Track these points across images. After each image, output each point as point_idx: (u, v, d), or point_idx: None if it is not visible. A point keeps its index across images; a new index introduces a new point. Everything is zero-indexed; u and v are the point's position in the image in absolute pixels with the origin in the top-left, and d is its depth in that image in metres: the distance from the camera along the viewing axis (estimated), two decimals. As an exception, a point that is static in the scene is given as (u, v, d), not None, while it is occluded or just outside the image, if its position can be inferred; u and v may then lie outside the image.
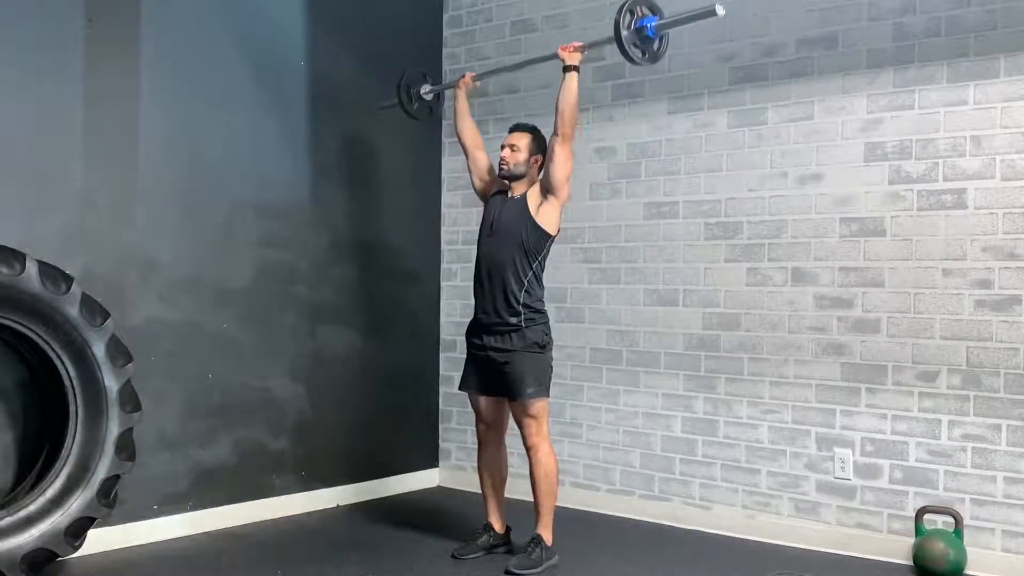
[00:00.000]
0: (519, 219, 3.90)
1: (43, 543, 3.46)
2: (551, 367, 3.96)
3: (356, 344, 5.05)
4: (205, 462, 4.33)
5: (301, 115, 4.78)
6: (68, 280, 3.57)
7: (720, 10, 3.55)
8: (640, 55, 3.78)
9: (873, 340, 4.11)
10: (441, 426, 5.50)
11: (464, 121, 4.22)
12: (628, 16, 3.70)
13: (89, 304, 3.62)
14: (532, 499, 3.93)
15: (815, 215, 4.27)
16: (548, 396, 3.91)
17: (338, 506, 4.87)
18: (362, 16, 5.08)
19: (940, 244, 3.97)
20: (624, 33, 3.68)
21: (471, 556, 3.99)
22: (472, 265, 4.14)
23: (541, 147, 3.98)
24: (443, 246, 5.53)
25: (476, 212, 4.46)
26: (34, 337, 3.52)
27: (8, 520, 3.42)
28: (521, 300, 3.87)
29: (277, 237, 4.65)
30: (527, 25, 5.20)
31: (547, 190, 3.89)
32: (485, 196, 4.16)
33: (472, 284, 4.07)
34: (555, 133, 3.83)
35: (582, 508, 4.83)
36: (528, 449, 3.88)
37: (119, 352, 3.70)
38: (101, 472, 3.62)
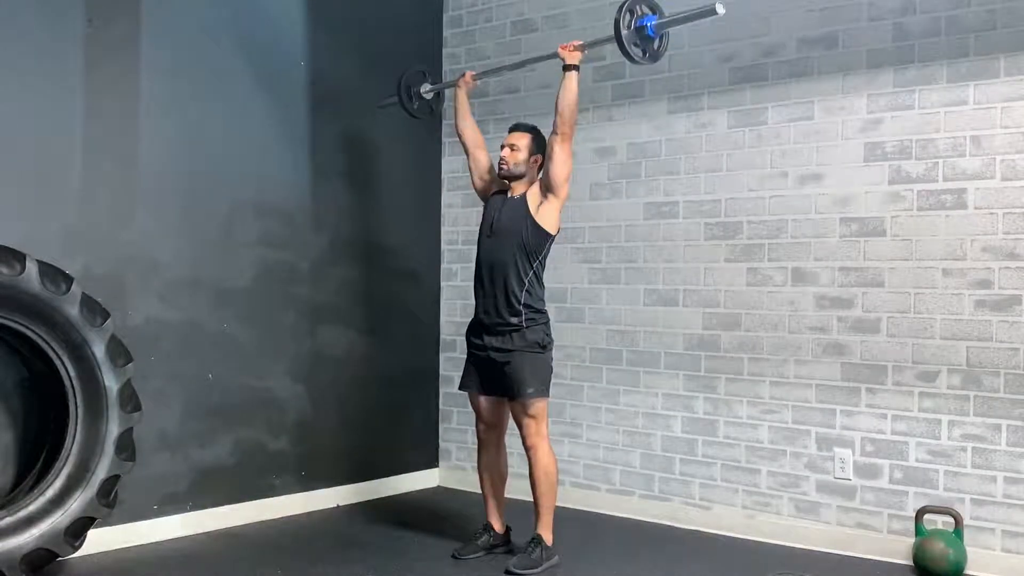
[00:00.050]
0: (519, 219, 3.90)
1: (43, 543, 3.46)
2: (551, 367, 3.96)
3: (356, 344, 5.05)
4: (205, 462, 4.33)
5: (301, 115, 4.78)
6: (68, 280, 3.57)
7: (720, 9, 3.55)
8: (640, 54, 3.78)
9: (873, 340, 4.11)
10: (441, 426, 5.50)
11: (464, 120, 4.22)
12: (628, 15, 3.70)
13: (89, 304, 3.62)
14: (532, 499, 3.93)
15: (815, 215, 4.27)
16: (548, 396, 3.91)
17: (338, 506, 4.87)
18: (362, 16, 5.08)
19: (940, 244, 3.97)
20: (624, 32, 3.68)
21: (471, 556, 3.99)
22: (472, 265, 4.14)
23: (541, 147, 3.98)
24: (443, 246, 5.53)
25: (476, 212, 4.46)
26: (34, 337, 3.52)
27: (8, 520, 3.42)
28: (522, 300, 3.87)
29: (277, 237, 4.65)
30: (527, 25, 5.20)
31: (547, 190, 3.89)
32: (485, 196, 4.16)
33: (472, 284, 4.07)
34: (555, 133, 3.83)
35: (582, 508, 4.83)
36: (527, 449, 3.88)
37: (119, 352, 3.70)
38: (101, 472, 3.62)
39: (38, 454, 3.72)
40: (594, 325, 4.92)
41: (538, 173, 4.00)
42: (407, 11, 5.39)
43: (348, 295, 5.02)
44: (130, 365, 3.73)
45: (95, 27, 3.93)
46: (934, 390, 3.97)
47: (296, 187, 4.76)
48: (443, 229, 5.53)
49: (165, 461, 4.16)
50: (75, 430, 3.61)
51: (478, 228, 4.10)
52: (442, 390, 5.49)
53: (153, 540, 4.08)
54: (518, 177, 3.98)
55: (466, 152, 4.23)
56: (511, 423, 4.01)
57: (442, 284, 5.53)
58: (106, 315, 3.67)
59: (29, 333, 3.50)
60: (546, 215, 3.89)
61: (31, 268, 3.44)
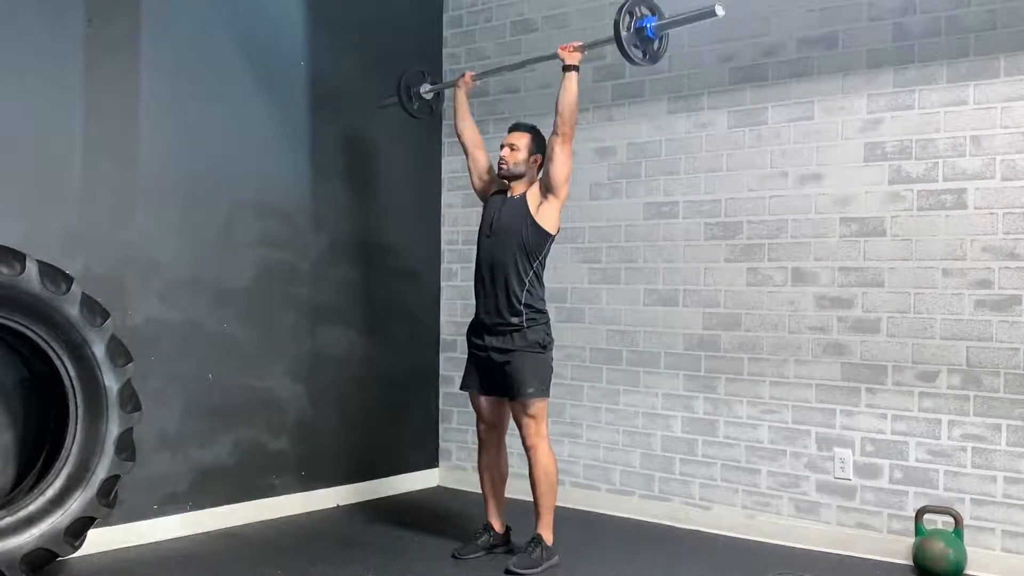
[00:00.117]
0: (519, 219, 3.90)
1: (43, 543, 3.46)
2: (552, 367, 3.96)
3: (356, 344, 5.05)
4: (205, 462, 4.33)
5: (301, 115, 4.78)
6: (68, 280, 3.57)
7: (720, 11, 3.55)
8: (640, 55, 3.78)
9: (873, 340, 4.11)
10: (441, 426, 5.50)
11: (464, 120, 4.22)
12: (628, 17, 3.70)
13: (89, 304, 3.62)
14: (532, 499, 3.93)
15: (815, 215, 4.27)
16: (548, 396, 3.90)
17: (338, 506, 4.87)
18: (362, 16, 5.08)
19: (940, 244, 3.97)
20: (624, 34, 3.69)
21: (471, 556, 3.99)
22: (472, 265, 4.14)
23: (540, 147, 3.98)
24: (443, 246, 5.53)
25: (476, 212, 4.46)
26: (34, 337, 3.52)
27: (8, 520, 3.42)
28: (523, 300, 3.87)
29: (277, 237, 4.65)
30: (527, 25, 5.20)
31: (547, 190, 3.89)
32: (484, 196, 4.15)
33: (472, 284, 4.07)
34: (555, 133, 3.83)
35: (582, 508, 4.83)
36: (527, 449, 3.88)
37: (119, 352, 3.70)
38: (101, 472, 3.62)
39: (38, 454, 3.72)
40: (594, 325, 4.92)
41: (538, 173, 4.00)
42: (407, 11, 5.39)
43: (348, 295, 5.02)
44: (130, 365, 3.73)
45: (95, 27, 3.93)
46: (934, 390, 3.97)
47: (296, 187, 4.76)
48: (443, 229, 5.53)
49: (165, 461, 4.16)
50: (75, 430, 3.61)
51: (478, 228, 4.10)
52: (442, 390, 5.49)
53: (153, 540, 4.08)
54: (518, 177, 3.98)
55: (465, 152, 4.23)
56: (511, 423, 4.01)
57: (442, 284, 5.53)
58: (106, 315, 3.67)
59: (29, 333, 3.50)
60: (546, 215, 3.89)
61: (31, 268, 3.44)
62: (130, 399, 3.73)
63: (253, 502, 4.51)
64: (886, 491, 4.07)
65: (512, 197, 3.99)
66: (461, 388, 4.14)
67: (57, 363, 3.57)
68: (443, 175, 5.55)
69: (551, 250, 3.99)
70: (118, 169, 4.04)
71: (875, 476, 4.10)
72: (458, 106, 4.26)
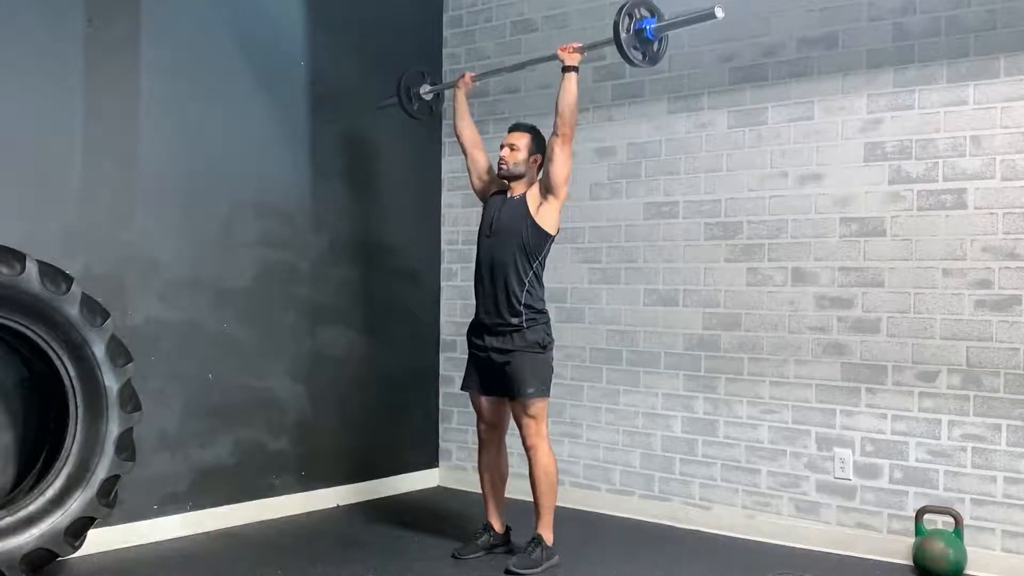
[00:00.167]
0: (519, 219, 3.90)
1: (43, 543, 3.46)
2: (552, 367, 3.96)
3: (356, 344, 5.05)
4: (205, 462, 4.33)
5: (301, 115, 4.78)
6: (68, 280, 3.57)
7: (719, 13, 3.56)
8: (640, 57, 3.79)
9: (873, 340, 4.11)
10: (441, 426, 5.50)
11: (463, 121, 4.23)
12: (627, 19, 3.71)
13: (89, 304, 3.62)
14: (532, 499, 3.93)
15: (815, 215, 4.27)
16: (548, 396, 3.91)
17: (338, 506, 4.87)
18: (362, 16, 5.08)
19: (940, 244, 3.97)
20: (623, 35, 3.69)
21: (471, 556, 3.99)
22: (472, 265, 4.14)
23: (540, 147, 3.98)
24: (443, 246, 5.53)
25: (476, 212, 4.46)
26: (34, 337, 3.52)
27: (8, 520, 3.42)
28: (523, 300, 3.88)
29: (277, 237, 4.65)
30: (527, 25, 5.20)
31: (547, 191, 3.89)
32: (484, 196, 4.16)
33: (472, 284, 4.08)
34: (555, 134, 3.83)
35: (582, 508, 4.83)
36: (527, 449, 3.88)
37: (119, 352, 3.70)
38: (101, 472, 3.62)
39: (38, 454, 3.72)
40: (594, 325, 4.92)
41: (538, 173, 4.00)
42: (407, 11, 5.39)
43: (348, 295, 5.02)
44: (130, 365, 3.73)
45: (95, 27, 3.93)
46: (934, 390, 3.97)
47: (296, 187, 4.76)
48: (443, 229, 5.53)
49: (165, 461, 4.16)
50: (75, 430, 3.61)
51: (478, 228, 4.10)
52: (442, 390, 5.49)
53: (153, 540, 4.08)
54: (518, 177, 3.98)
55: (464, 153, 4.23)
56: (512, 423, 4.01)
57: (442, 284, 5.53)
58: (106, 315, 3.67)
59: (29, 333, 3.50)
60: (546, 216, 3.89)
61: (31, 268, 3.44)
62: (130, 399, 3.73)
63: (253, 502, 4.51)
64: (886, 491, 4.07)
65: (512, 197, 3.99)
66: (462, 388, 4.14)
67: (57, 363, 3.57)
68: (443, 175, 5.55)
69: (551, 250, 3.99)
70: (118, 169, 4.04)
71: (875, 476, 4.10)
72: (457, 107, 4.26)
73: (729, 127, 4.51)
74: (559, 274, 4.93)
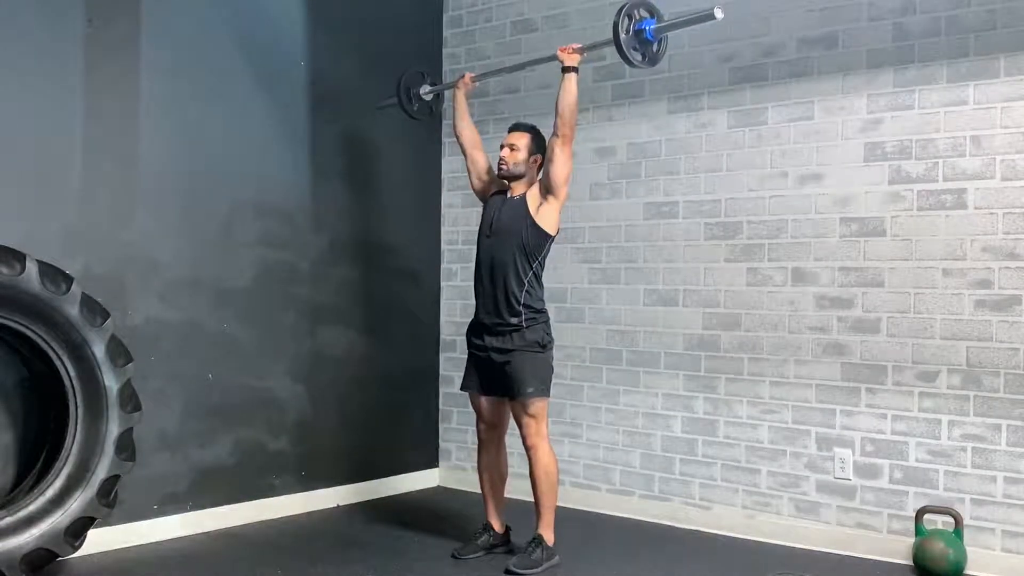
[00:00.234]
0: (519, 219, 3.90)
1: (43, 543, 3.46)
2: (552, 367, 3.96)
3: (356, 344, 5.05)
4: (205, 462, 4.33)
5: (301, 115, 4.78)
6: (68, 280, 3.57)
7: (719, 14, 3.56)
8: (639, 58, 3.79)
9: (873, 340, 4.11)
10: (441, 426, 5.50)
11: (462, 121, 4.23)
12: (627, 20, 3.71)
13: (89, 304, 3.62)
14: (532, 499, 3.93)
15: (815, 215, 4.27)
16: (548, 396, 3.91)
17: (338, 506, 4.87)
18: (362, 16, 5.08)
19: (940, 244, 3.97)
20: (623, 36, 3.69)
21: (471, 556, 3.99)
22: (472, 265, 4.14)
23: (540, 147, 3.99)
24: (443, 246, 5.53)
25: (476, 212, 4.46)
26: (34, 337, 3.52)
27: (8, 520, 3.42)
28: (522, 300, 3.88)
29: (277, 237, 4.65)
30: (527, 25, 5.20)
31: (547, 191, 3.89)
32: (484, 196, 4.16)
33: (472, 284, 4.08)
34: (555, 134, 3.83)
35: (582, 508, 4.83)
36: (528, 449, 3.88)
37: (119, 352, 3.70)
38: (101, 472, 3.62)
39: (38, 454, 3.72)
40: (594, 325, 4.92)
41: (538, 173, 4.00)
42: (407, 11, 5.39)
43: (348, 295, 5.02)
44: (130, 365, 3.73)
45: (95, 27, 3.93)
46: (934, 390, 3.97)
47: (296, 187, 4.76)
48: (443, 229, 5.53)
49: (165, 461, 4.16)
50: (75, 430, 3.61)
51: (478, 228, 4.10)
52: (442, 390, 5.49)
53: (153, 540, 4.08)
54: (518, 177, 3.98)
55: (464, 153, 4.23)
56: (511, 423, 4.01)
57: (442, 284, 5.53)
58: (106, 315, 3.68)
59: (29, 333, 3.50)
60: (546, 216, 3.89)
61: (31, 268, 3.44)
62: (130, 399, 3.73)
63: (253, 502, 4.51)
64: (886, 491, 4.07)
65: (512, 197, 3.99)
66: (461, 388, 4.14)
67: (57, 363, 3.57)
68: (443, 175, 5.55)
69: (551, 250, 3.99)
70: (118, 169, 4.04)
71: (875, 476, 4.10)
72: (457, 107, 4.26)
73: (729, 127, 4.51)
74: (559, 274, 4.93)
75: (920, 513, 3.90)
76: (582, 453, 4.94)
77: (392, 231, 5.26)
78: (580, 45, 3.91)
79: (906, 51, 4.05)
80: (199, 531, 4.26)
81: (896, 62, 4.07)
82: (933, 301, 3.98)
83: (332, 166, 4.94)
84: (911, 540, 3.93)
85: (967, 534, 3.84)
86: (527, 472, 3.93)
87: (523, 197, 3.95)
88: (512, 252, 3.89)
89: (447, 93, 4.89)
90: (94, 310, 3.63)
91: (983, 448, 3.86)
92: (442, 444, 5.50)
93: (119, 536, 3.97)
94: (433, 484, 5.46)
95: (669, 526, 4.59)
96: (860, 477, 4.13)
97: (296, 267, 4.74)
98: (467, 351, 4.09)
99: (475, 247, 4.10)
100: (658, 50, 3.84)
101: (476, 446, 4.17)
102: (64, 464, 3.58)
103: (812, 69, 4.28)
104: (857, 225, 4.16)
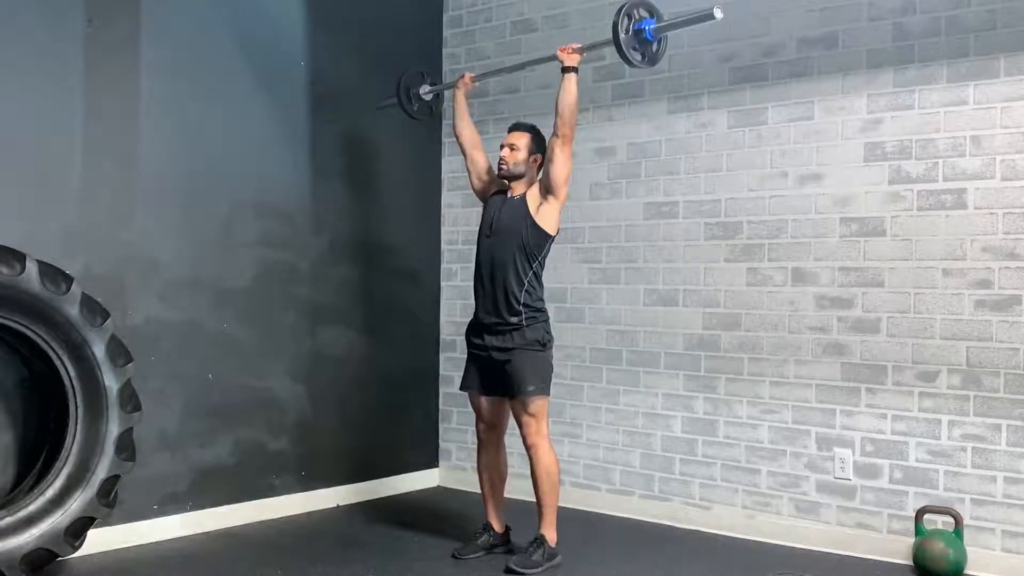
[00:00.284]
0: (519, 219, 3.90)
1: (43, 543, 3.46)
2: (552, 366, 3.96)
3: (356, 344, 5.05)
4: (205, 462, 4.33)
5: (301, 115, 4.78)
6: (68, 280, 3.57)
7: (718, 14, 3.56)
8: (639, 58, 3.79)
9: (873, 340, 4.11)
10: (441, 426, 5.50)
11: (462, 121, 4.23)
12: (626, 20, 3.71)
13: (89, 304, 3.62)
14: (533, 499, 3.93)
15: (815, 215, 4.27)
16: (548, 395, 3.90)
17: (338, 506, 4.87)
18: (362, 16, 5.08)
19: (940, 244, 3.97)
20: (622, 36, 3.69)
21: (471, 556, 3.99)
22: (472, 265, 4.14)
23: (540, 147, 3.99)
24: (443, 246, 5.53)
25: (476, 212, 4.46)
26: (34, 337, 3.52)
27: (8, 520, 3.42)
28: (522, 300, 3.88)
29: (277, 237, 4.65)
30: (527, 25, 5.20)
31: (547, 191, 3.89)
32: (484, 196, 4.16)
33: (472, 284, 4.08)
34: (555, 134, 3.83)
35: (582, 508, 4.83)
36: (528, 448, 3.88)
37: (119, 352, 3.70)
38: (101, 472, 3.62)
39: (38, 454, 3.72)
40: (594, 325, 4.92)
41: (538, 173, 4.00)
42: (407, 11, 5.39)
43: (348, 295, 5.02)
44: (130, 365, 3.73)
45: (95, 27, 3.93)
46: (934, 390, 3.97)
47: (296, 187, 4.76)
48: (443, 229, 5.54)
49: (165, 461, 4.16)
50: (75, 430, 3.61)
51: (478, 228, 4.10)
52: (442, 390, 5.49)
53: (153, 540, 4.08)
54: (518, 177, 3.98)
55: (464, 153, 4.23)
56: (511, 423, 4.01)
57: (442, 284, 5.53)
58: (106, 315, 3.68)
59: (29, 333, 3.50)
60: (546, 216, 3.89)
61: (31, 268, 3.44)
62: (130, 399, 3.73)
63: (253, 502, 4.51)
64: (886, 491, 4.07)
65: (512, 197, 3.99)
66: (461, 388, 4.14)
67: (57, 363, 3.57)
68: (443, 175, 5.55)
69: (551, 250, 3.99)
70: (118, 169, 4.04)
71: (875, 476, 4.10)
72: (457, 107, 4.26)
73: (729, 127, 4.51)
74: (559, 274, 4.93)
75: (920, 513, 3.90)
76: (582, 453, 4.94)
77: (392, 231, 5.26)
78: (580, 45, 3.91)
79: (906, 51, 4.05)
80: (199, 531, 4.26)
81: (896, 62, 4.07)
82: (933, 301, 3.98)
83: (332, 166, 4.94)
84: (911, 540, 3.93)
85: (967, 534, 3.84)
86: (527, 472, 3.93)
87: (523, 197, 3.95)
88: (512, 252, 3.89)
89: (447, 93, 4.89)
90: (94, 310, 3.63)
91: (983, 448, 3.86)
92: (442, 444, 5.50)
93: (119, 536, 3.97)
94: (433, 484, 5.46)
95: (669, 526, 4.59)
96: (860, 477, 4.13)
97: (296, 267, 4.74)
98: (467, 351, 4.09)
99: (475, 247, 4.10)
100: (658, 50, 3.84)
101: (476, 446, 4.17)
102: (64, 464, 3.58)
103: (812, 69, 4.28)
104: (857, 225, 4.16)
